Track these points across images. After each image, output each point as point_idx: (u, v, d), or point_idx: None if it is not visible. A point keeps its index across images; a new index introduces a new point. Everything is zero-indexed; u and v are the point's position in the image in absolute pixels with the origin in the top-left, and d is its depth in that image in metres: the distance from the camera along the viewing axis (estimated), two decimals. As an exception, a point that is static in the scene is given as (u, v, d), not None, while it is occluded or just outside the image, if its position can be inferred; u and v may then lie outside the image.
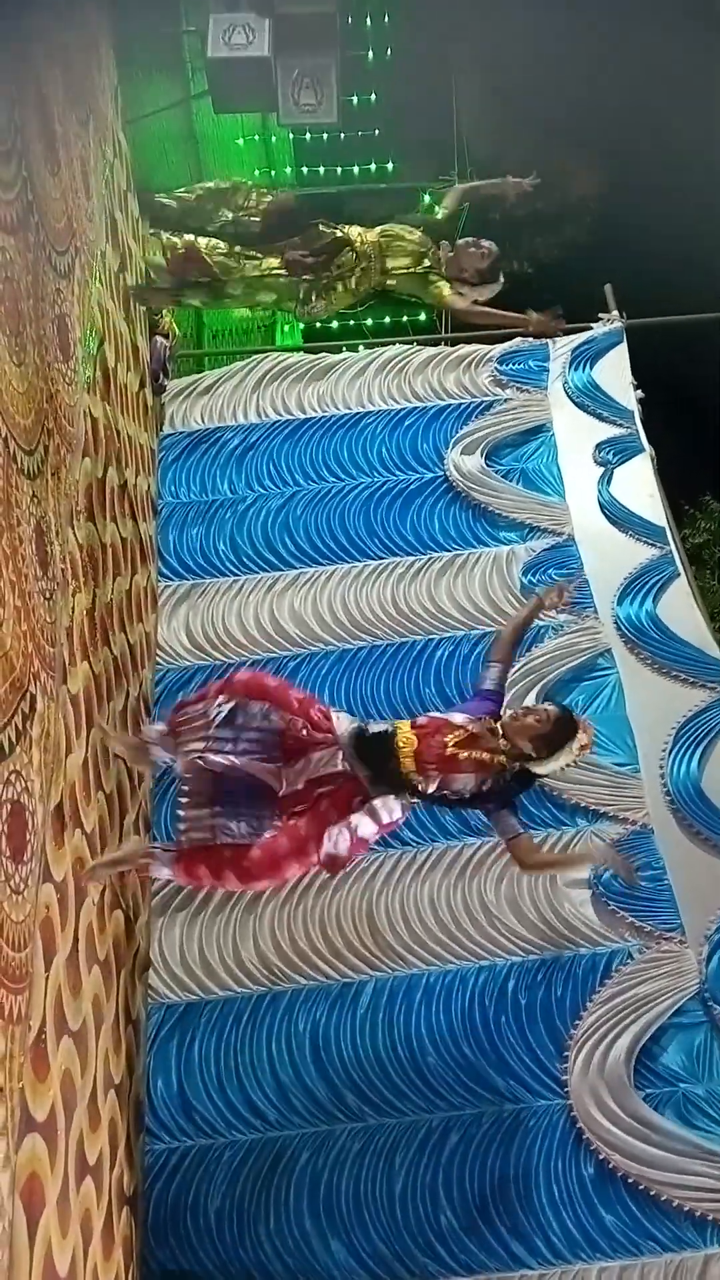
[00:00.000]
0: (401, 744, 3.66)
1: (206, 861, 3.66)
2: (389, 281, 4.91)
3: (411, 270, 4.77)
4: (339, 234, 4.73)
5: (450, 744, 3.63)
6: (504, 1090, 4.54)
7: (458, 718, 3.76)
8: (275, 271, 4.67)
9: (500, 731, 3.75)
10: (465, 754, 3.62)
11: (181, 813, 3.84)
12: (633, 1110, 4.39)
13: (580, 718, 3.85)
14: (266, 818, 3.66)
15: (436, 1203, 4.32)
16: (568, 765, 3.86)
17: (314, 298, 4.82)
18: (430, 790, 3.65)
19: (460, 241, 4.88)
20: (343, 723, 3.74)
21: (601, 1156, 4.34)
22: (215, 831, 3.68)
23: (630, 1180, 4.28)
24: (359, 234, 4.76)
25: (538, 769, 3.73)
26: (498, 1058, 4.60)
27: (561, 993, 4.71)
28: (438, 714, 3.89)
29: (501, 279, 4.92)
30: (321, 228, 4.77)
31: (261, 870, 3.62)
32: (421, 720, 3.78)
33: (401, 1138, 4.46)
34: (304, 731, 3.65)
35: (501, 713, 3.88)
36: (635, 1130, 4.35)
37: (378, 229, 4.81)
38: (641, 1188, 4.27)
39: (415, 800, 3.76)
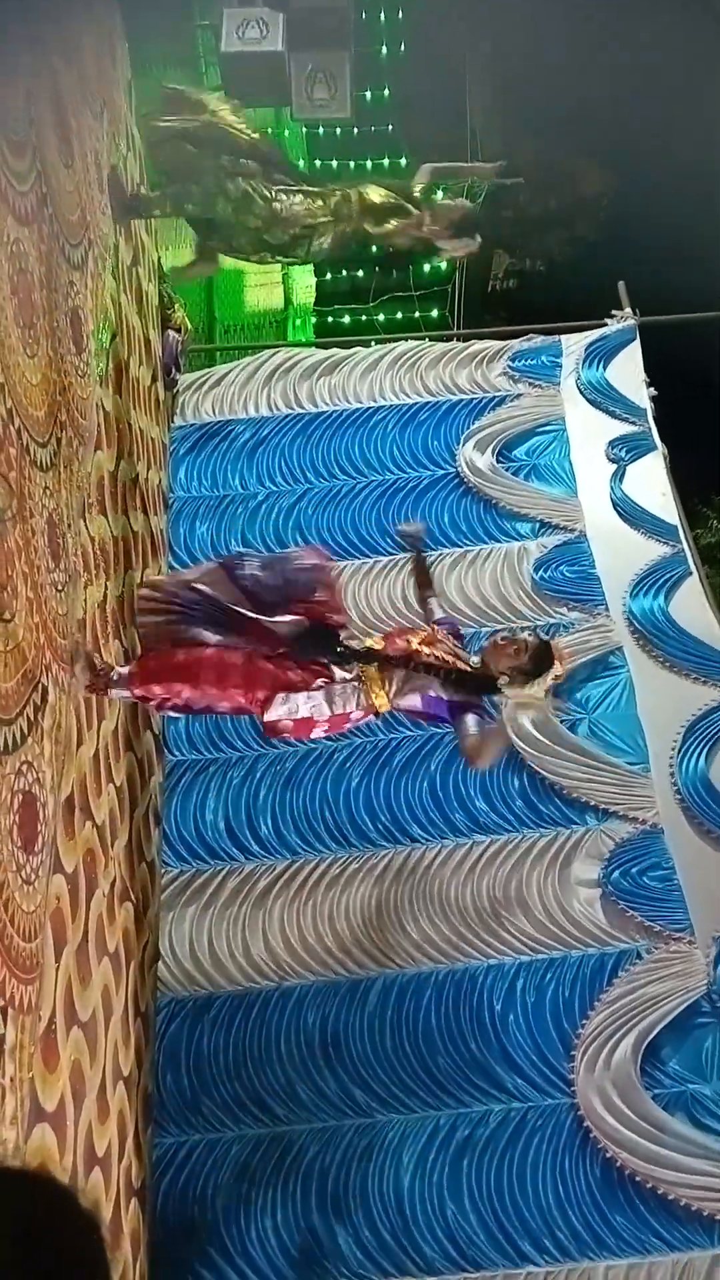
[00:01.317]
0: (370, 644, 3.67)
1: (159, 670, 3.56)
2: (377, 236, 4.90)
3: (395, 229, 4.78)
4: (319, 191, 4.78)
5: (414, 642, 3.65)
6: (512, 1088, 4.54)
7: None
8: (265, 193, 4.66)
9: (463, 645, 3.77)
10: (428, 650, 3.62)
11: (140, 619, 3.75)
12: (641, 1110, 4.39)
13: (560, 649, 3.74)
14: (225, 636, 3.60)
15: (444, 1199, 4.33)
16: (537, 693, 3.76)
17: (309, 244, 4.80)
18: (388, 688, 3.58)
19: (440, 201, 4.88)
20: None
21: (609, 1155, 4.33)
22: (170, 633, 3.61)
23: (638, 1179, 4.28)
24: (341, 192, 4.79)
25: (508, 691, 3.64)
26: (505, 1056, 4.60)
27: (570, 992, 4.71)
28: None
29: (478, 238, 4.91)
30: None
31: (209, 675, 3.52)
32: (392, 631, 3.91)
33: (409, 1134, 4.46)
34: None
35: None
36: (643, 1130, 4.35)
37: (357, 191, 4.81)
38: (649, 1187, 4.26)
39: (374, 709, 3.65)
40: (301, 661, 3.57)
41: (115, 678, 3.62)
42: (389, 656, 3.61)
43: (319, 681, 3.57)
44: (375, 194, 4.88)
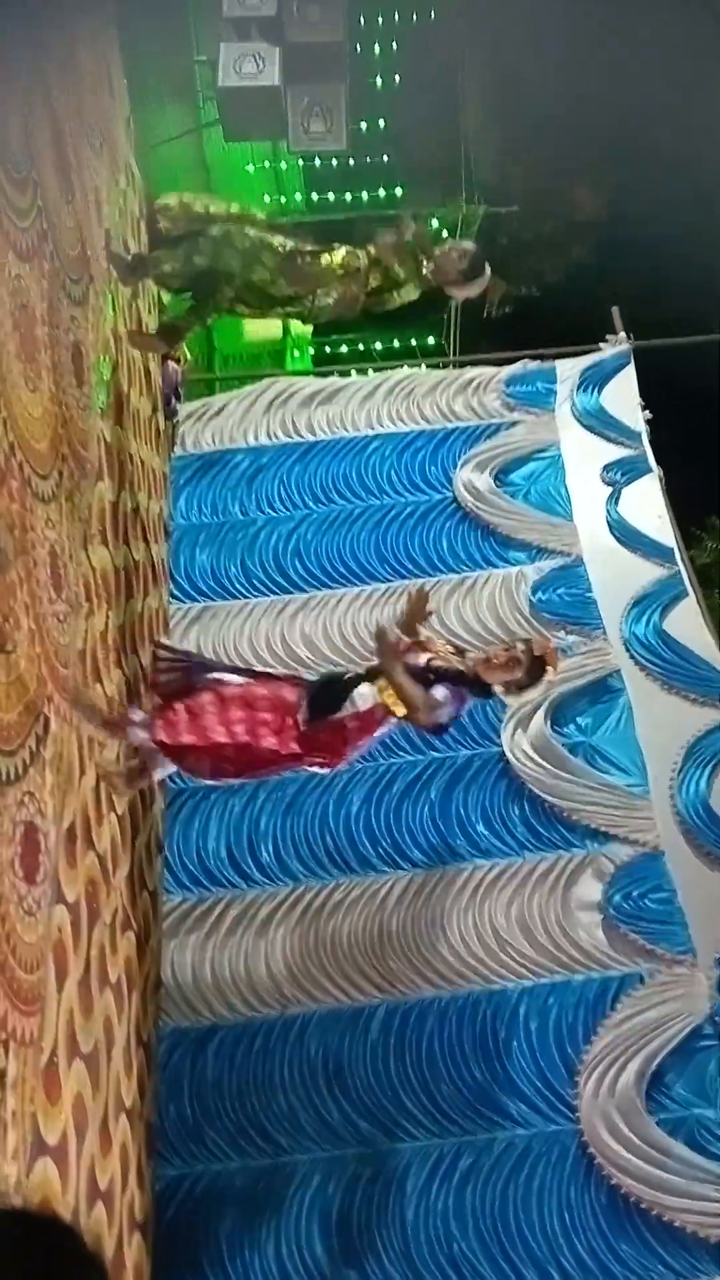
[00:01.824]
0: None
1: (186, 710, 3.63)
2: (392, 295, 4.98)
3: (410, 279, 4.84)
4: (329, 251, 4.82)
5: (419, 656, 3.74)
6: (515, 1115, 4.52)
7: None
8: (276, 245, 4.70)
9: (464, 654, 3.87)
10: (426, 653, 3.73)
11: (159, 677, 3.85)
12: (645, 1135, 4.37)
13: (550, 652, 3.80)
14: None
15: (449, 1228, 4.30)
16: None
17: (313, 300, 4.83)
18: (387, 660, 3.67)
19: (438, 251, 4.93)
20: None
21: (614, 1182, 4.31)
22: (188, 685, 3.70)
23: (643, 1206, 4.25)
24: (350, 255, 4.83)
25: (505, 697, 3.78)
26: (509, 1082, 4.58)
27: (572, 1017, 4.69)
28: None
29: (488, 269, 4.98)
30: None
31: (236, 709, 3.61)
32: None
33: (413, 1163, 4.44)
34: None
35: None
36: (648, 1155, 4.33)
37: (365, 250, 4.86)
38: (654, 1213, 4.24)
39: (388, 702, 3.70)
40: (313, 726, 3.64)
41: (136, 719, 3.70)
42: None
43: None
44: (384, 252, 4.92)
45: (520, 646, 3.76)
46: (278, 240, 4.71)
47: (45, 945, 2.97)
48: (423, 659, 3.69)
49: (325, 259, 4.74)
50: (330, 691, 3.69)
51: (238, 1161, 4.47)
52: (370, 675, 3.72)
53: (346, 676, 3.76)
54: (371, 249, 4.80)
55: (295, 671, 5.67)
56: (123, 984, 3.96)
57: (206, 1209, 4.35)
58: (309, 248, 4.75)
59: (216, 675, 3.74)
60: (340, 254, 4.74)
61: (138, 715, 3.72)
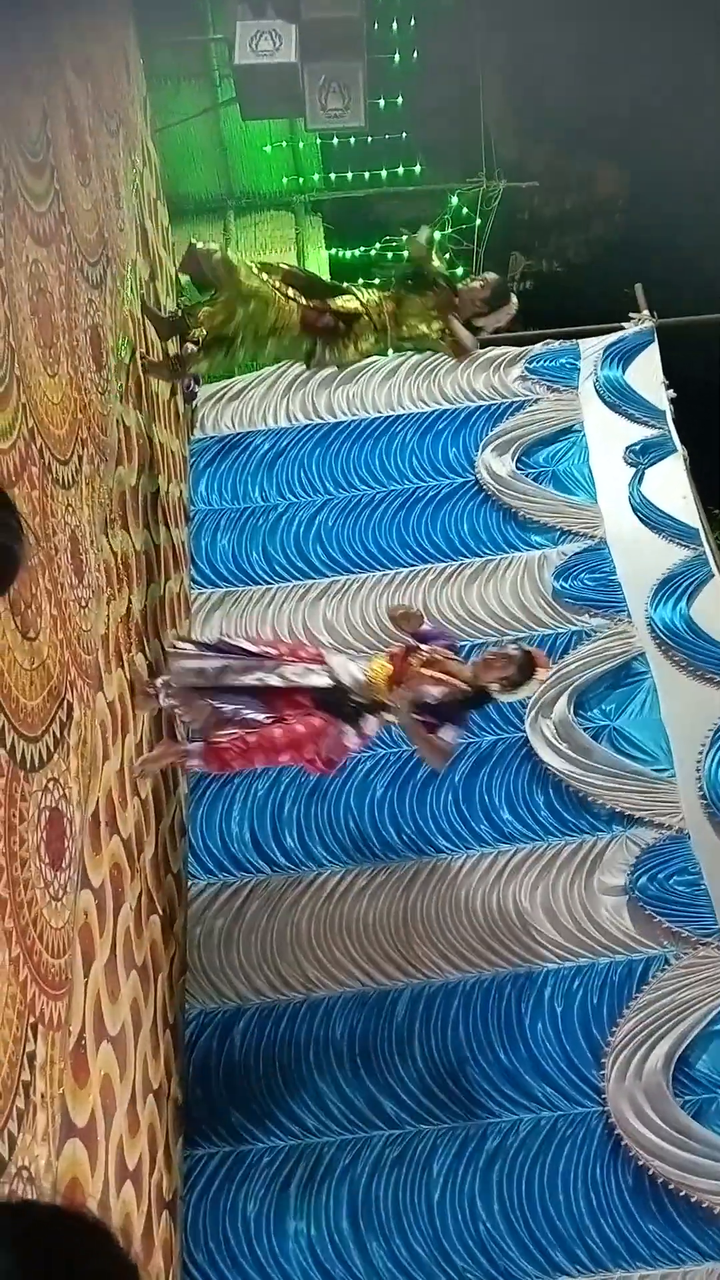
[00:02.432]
0: (375, 673, 4.08)
1: (230, 753, 3.98)
2: (406, 345, 5.05)
3: (429, 334, 4.88)
4: (360, 303, 4.81)
5: (416, 664, 4.08)
6: (541, 1097, 4.52)
7: (424, 644, 4.22)
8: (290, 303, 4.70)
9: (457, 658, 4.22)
10: (429, 671, 4.06)
11: (180, 712, 4.18)
12: (672, 1117, 4.36)
13: (539, 654, 4.12)
14: (254, 705, 4.02)
15: (475, 1209, 4.31)
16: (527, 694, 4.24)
17: (324, 353, 4.88)
18: (398, 705, 4.05)
19: (461, 287, 4.92)
20: (335, 667, 4.11)
21: (641, 1163, 4.30)
22: (211, 714, 4.01)
23: (671, 1187, 4.25)
24: (376, 304, 4.82)
25: (500, 696, 4.09)
26: (535, 1065, 4.58)
27: (598, 1000, 4.68)
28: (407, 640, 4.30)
29: (514, 299, 4.94)
30: (344, 299, 4.83)
31: (280, 746, 3.97)
32: (394, 648, 4.28)
33: (439, 1145, 4.45)
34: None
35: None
36: (674, 1137, 4.32)
37: (394, 296, 4.87)
38: (682, 1195, 4.23)
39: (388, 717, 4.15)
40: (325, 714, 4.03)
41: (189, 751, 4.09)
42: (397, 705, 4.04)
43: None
44: (420, 300, 4.93)
45: (512, 647, 4.15)
46: (302, 300, 4.73)
47: (72, 929, 2.98)
48: (434, 692, 4.00)
49: (349, 343, 4.78)
50: (338, 699, 4.06)
51: (264, 1143, 4.50)
52: (376, 708, 4.10)
53: (356, 700, 4.07)
54: (390, 303, 4.81)
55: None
56: (149, 967, 3.98)
57: (234, 1189, 4.38)
58: (334, 305, 4.76)
59: (239, 710, 3.99)
60: (371, 301, 4.76)
61: (195, 747, 4.08)
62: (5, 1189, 2.33)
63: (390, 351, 5.10)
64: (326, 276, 8.77)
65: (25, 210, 3.25)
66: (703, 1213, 4.21)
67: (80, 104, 4.24)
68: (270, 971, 4.85)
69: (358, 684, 4.04)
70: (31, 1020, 2.55)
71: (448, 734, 3.99)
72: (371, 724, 4.09)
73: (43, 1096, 2.60)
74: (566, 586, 5.79)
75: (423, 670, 4.05)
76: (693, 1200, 4.22)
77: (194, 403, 6.66)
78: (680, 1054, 4.49)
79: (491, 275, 4.93)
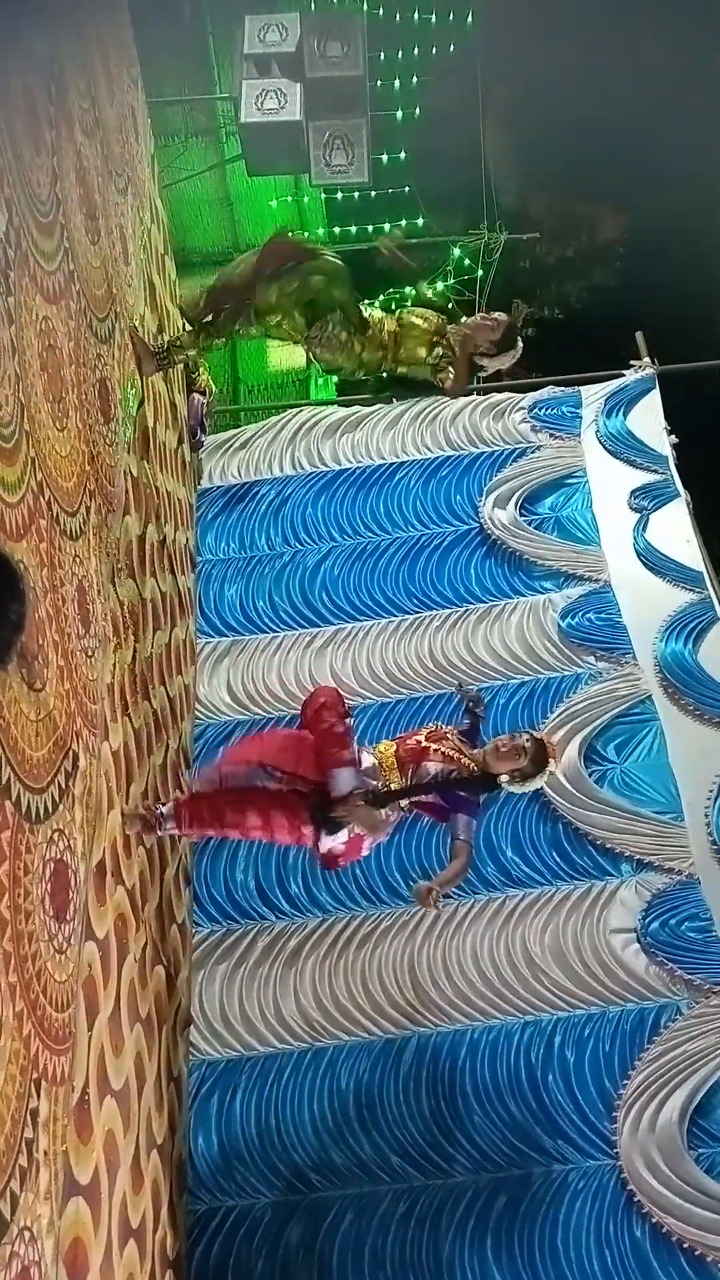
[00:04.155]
0: (382, 756, 4.00)
1: (208, 808, 3.92)
2: (400, 369, 5.05)
3: (424, 360, 4.91)
4: (366, 316, 4.88)
5: (423, 738, 4.04)
6: (552, 1150, 4.45)
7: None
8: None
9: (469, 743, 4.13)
10: (435, 746, 3.99)
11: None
12: (685, 1173, 4.28)
13: (552, 746, 4.07)
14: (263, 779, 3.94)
15: (485, 1266, 4.23)
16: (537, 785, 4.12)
17: (322, 335, 4.89)
18: (406, 785, 3.94)
19: (470, 321, 4.97)
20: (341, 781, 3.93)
21: (654, 1220, 4.22)
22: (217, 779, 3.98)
23: (685, 1246, 4.16)
24: (379, 320, 4.88)
25: (510, 787, 3.99)
26: (545, 1117, 4.51)
27: (609, 1049, 4.62)
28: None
29: (520, 344, 5.00)
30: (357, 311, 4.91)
31: (254, 824, 3.89)
32: (402, 734, 4.26)
33: (448, 1199, 4.37)
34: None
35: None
36: (688, 1193, 4.24)
37: (396, 317, 4.93)
38: (698, 1253, 4.14)
39: (401, 807, 4.02)
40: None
41: (161, 816, 3.95)
42: (403, 792, 3.94)
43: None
44: (422, 321, 4.97)
45: (524, 736, 4.01)
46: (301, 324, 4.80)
47: (75, 982, 2.96)
48: (432, 768, 3.93)
49: (355, 347, 4.82)
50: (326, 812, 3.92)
51: (268, 1197, 4.43)
52: (383, 799, 3.94)
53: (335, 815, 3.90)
54: (398, 324, 4.86)
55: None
56: (153, 1019, 3.95)
57: (238, 1245, 4.30)
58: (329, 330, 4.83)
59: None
60: (367, 336, 4.82)
61: (167, 809, 3.98)
62: (8, 1250, 2.29)
63: (383, 374, 5.08)
64: None
65: (36, 269, 3.32)
66: (717, 1271, 4.12)
67: (90, 164, 4.34)
68: (274, 1020, 4.80)
69: (369, 771, 3.94)
70: (35, 1076, 2.53)
71: (461, 825, 3.87)
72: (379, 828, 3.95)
73: (46, 1153, 2.57)
74: (572, 626, 5.80)
75: (427, 744, 3.99)
76: (708, 1260, 4.13)
77: (200, 450, 6.74)
78: (695, 1106, 4.41)
79: (502, 315, 4.96)
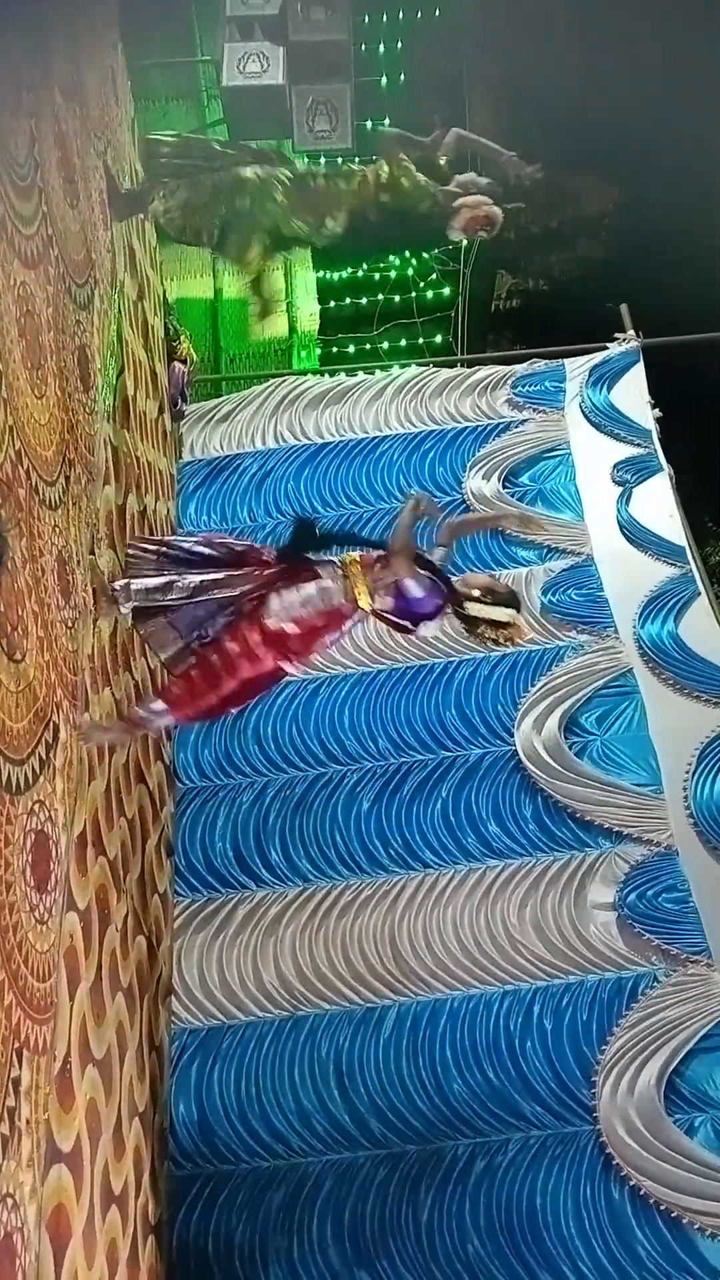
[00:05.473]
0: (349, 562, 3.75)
1: (198, 675, 3.66)
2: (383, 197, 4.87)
3: (427, 191, 4.79)
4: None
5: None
6: (531, 1116, 4.51)
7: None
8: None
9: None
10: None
11: (140, 624, 3.86)
12: (664, 1136, 4.34)
13: (519, 625, 3.89)
14: (216, 614, 3.73)
15: (464, 1231, 4.28)
16: (489, 631, 3.86)
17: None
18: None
19: (471, 198, 4.88)
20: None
21: (632, 1183, 4.28)
22: (171, 631, 3.74)
23: (663, 1208, 4.22)
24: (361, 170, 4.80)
25: (470, 607, 3.79)
26: (524, 1083, 4.57)
27: (587, 1017, 4.67)
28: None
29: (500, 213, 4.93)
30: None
31: (228, 670, 3.63)
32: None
33: (427, 1165, 4.43)
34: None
35: None
36: (668, 1155, 4.30)
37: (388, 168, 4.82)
38: (674, 1215, 4.21)
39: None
40: (293, 569, 3.69)
41: (148, 715, 3.70)
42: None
43: (310, 582, 3.68)
44: (405, 179, 4.87)
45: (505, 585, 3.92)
46: (283, 172, 4.68)
47: (57, 953, 2.97)
48: (415, 587, 3.70)
49: (340, 182, 4.71)
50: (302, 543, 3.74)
51: (249, 1164, 4.47)
52: (343, 566, 3.73)
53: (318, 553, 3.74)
54: (385, 165, 4.76)
55: (305, 674, 5.70)
56: (134, 988, 3.97)
57: (218, 1212, 4.35)
58: (320, 171, 4.72)
59: (192, 614, 3.71)
60: (356, 175, 4.70)
61: (157, 705, 3.72)
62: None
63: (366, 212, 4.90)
64: (315, 299, 8.81)
65: (13, 233, 3.27)
66: (694, 1233, 4.19)
67: (68, 127, 4.27)
68: (255, 988, 4.83)
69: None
70: (16, 1045, 2.54)
71: (429, 629, 3.83)
72: (339, 595, 3.69)
73: (28, 1122, 2.59)
74: (554, 601, 5.82)
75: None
76: (684, 1221, 4.20)
77: (181, 423, 6.68)
78: (673, 1070, 4.47)
79: (495, 209, 4.91)
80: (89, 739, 3.60)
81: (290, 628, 3.65)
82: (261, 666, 3.67)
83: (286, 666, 3.73)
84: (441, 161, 5.03)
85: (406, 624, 3.84)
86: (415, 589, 3.70)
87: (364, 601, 3.69)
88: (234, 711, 4.02)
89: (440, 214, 4.86)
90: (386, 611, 3.77)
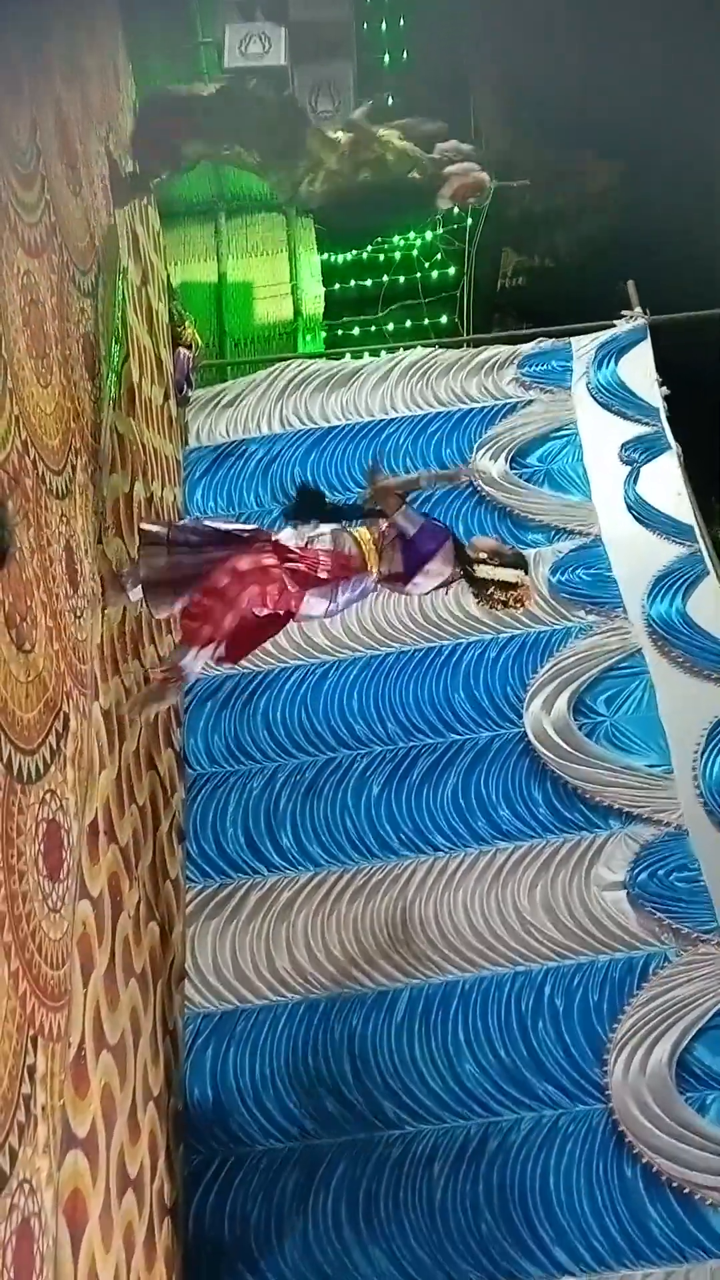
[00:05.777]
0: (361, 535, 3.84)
1: (200, 619, 3.68)
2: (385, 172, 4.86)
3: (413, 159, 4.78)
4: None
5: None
6: (543, 1095, 4.54)
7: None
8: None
9: None
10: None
11: (141, 565, 3.88)
12: (676, 1114, 4.37)
13: (529, 585, 3.97)
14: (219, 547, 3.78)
15: (477, 1210, 4.32)
16: (498, 593, 3.94)
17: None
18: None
19: (457, 166, 4.87)
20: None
21: (645, 1161, 4.31)
22: (173, 567, 3.77)
23: (675, 1185, 4.26)
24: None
25: (479, 570, 3.88)
26: (536, 1063, 4.59)
27: (599, 997, 4.70)
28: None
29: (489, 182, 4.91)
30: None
31: (232, 586, 3.67)
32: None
33: (440, 1145, 4.46)
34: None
35: None
36: (680, 1133, 4.33)
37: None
38: (686, 1192, 4.24)
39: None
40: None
41: (177, 663, 3.72)
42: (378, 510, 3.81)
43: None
44: (388, 152, 4.85)
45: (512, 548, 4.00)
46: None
47: (70, 940, 2.99)
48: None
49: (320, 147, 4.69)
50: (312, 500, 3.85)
51: (263, 1146, 4.51)
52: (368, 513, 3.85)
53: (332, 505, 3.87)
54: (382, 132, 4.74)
55: (313, 658, 5.71)
56: (148, 974, 3.99)
57: (234, 1194, 4.39)
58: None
59: (198, 558, 3.74)
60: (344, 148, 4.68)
61: (179, 649, 3.74)
62: (8, 1203, 2.34)
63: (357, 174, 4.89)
64: (319, 281, 8.75)
65: (16, 221, 3.25)
66: (706, 1210, 4.22)
67: (70, 113, 4.24)
68: (267, 973, 4.86)
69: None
70: (31, 1033, 2.56)
71: (430, 579, 3.83)
72: (348, 543, 3.78)
73: (43, 1109, 2.61)
74: (563, 582, 5.81)
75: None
76: (697, 1197, 4.23)
77: (187, 405, 6.67)
78: (684, 1048, 4.49)
79: (484, 176, 4.91)
80: (140, 712, 3.68)
81: (297, 549, 3.72)
82: (265, 586, 3.66)
83: (289, 586, 3.70)
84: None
85: (413, 576, 3.85)
86: (409, 525, 3.78)
87: (372, 562, 3.79)
88: (242, 652, 3.91)
89: (430, 182, 4.83)
90: (394, 572, 3.85)
